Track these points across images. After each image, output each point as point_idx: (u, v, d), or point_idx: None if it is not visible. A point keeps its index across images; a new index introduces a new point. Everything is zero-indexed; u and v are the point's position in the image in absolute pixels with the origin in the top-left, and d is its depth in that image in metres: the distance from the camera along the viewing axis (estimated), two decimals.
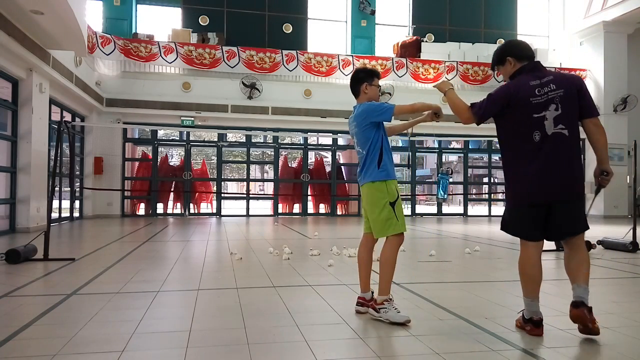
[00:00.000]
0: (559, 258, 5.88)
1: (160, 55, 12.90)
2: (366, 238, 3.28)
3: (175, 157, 20.59)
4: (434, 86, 3.16)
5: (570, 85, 2.67)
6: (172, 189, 14.36)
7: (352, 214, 14.85)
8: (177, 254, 6.01)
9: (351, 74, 3.41)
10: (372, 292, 3.22)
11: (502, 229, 2.88)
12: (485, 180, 19.22)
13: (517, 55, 2.81)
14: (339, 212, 14.92)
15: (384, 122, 3.18)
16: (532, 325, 2.69)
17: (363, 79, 3.23)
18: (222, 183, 16.73)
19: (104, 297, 3.54)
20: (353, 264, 5.20)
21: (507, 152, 2.79)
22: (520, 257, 2.78)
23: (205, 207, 14.94)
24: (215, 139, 14.96)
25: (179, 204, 14.28)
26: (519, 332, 2.76)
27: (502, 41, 16.55)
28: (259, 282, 4.16)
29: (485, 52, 15.54)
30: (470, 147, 16.44)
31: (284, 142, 15.77)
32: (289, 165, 15.63)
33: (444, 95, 2.97)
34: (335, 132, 13.87)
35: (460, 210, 16.26)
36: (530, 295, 2.70)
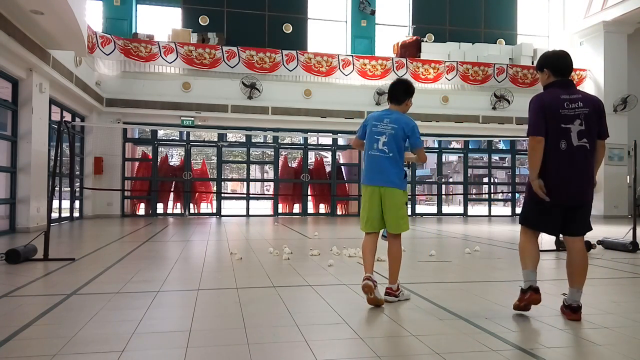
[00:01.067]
0: (559, 258, 5.88)
1: (160, 55, 12.90)
2: (372, 237, 3.54)
3: (175, 157, 20.60)
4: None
5: (594, 106, 3.01)
6: (172, 189, 14.36)
7: (352, 214, 14.84)
8: (177, 254, 6.01)
9: (405, 83, 3.58)
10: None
11: (521, 222, 3.23)
12: (485, 180, 19.22)
13: (553, 69, 3.13)
14: (339, 212, 14.92)
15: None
16: (532, 292, 2.99)
17: (412, 94, 3.56)
18: (222, 183, 16.73)
19: (104, 297, 3.54)
20: (353, 264, 5.20)
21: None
22: (521, 240, 3.21)
23: (205, 207, 14.95)
24: (215, 139, 14.96)
25: (179, 204, 14.29)
26: (519, 332, 2.76)
27: (502, 41, 16.65)
28: (259, 282, 4.16)
29: (485, 52, 15.54)
30: (470, 147, 16.45)
31: (284, 142, 15.77)
32: (289, 165, 15.63)
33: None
34: (335, 132, 13.87)
35: (460, 210, 16.26)
36: (529, 267, 3.07)
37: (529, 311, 3.10)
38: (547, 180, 2.99)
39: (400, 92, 3.50)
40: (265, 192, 18.50)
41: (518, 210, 17.67)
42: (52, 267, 4.82)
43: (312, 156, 15.25)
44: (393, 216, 3.43)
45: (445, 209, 16.98)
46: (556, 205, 3.01)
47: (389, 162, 3.40)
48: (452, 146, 18.27)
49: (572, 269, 3.07)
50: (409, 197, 4.93)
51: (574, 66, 12.89)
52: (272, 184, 16.11)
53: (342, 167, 15.30)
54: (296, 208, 14.81)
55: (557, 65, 3.12)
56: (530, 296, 2.99)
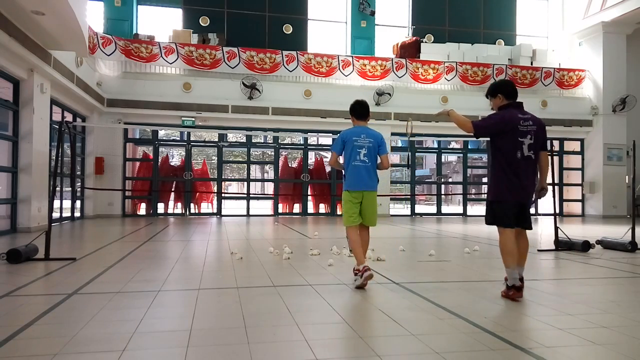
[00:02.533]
0: (557, 258, 5.89)
1: (161, 55, 12.92)
2: (360, 227, 4.29)
3: (176, 157, 20.60)
4: (437, 114, 4.19)
5: (540, 125, 3.73)
6: (172, 189, 14.37)
7: None
8: (177, 253, 6.02)
9: (366, 103, 4.36)
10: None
11: (487, 223, 3.82)
12: (485, 180, 19.23)
13: (506, 94, 3.80)
14: (339, 212, 14.91)
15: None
16: (514, 290, 3.58)
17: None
18: (223, 183, 16.76)
19: (104, 296, 3.56)
20: (353, 263, 5.21)
21: (497, 162, 3.74)
22: (500, 240, 3.72)
23: (205, 207, 14.96)
24: (216, 139, 14.98)
25: (179, 204, 14.30)
26: (519, 331, 2.78)
27: (502, 42, 16.67)
28: (259, 282, 4.17)
29: (484, 52, 15.55)
30: (469, 147, 16.46)
31: (284, 142, 15.78)
32: (289, 165, 15.65)
33: (448, 116, 3.99)
34: (335, 132, 13.82)
35: (460, 210, 16.27)
36: (511, 265, 3.62)
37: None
38: (508, 183, 3.67)
39: (367, 110, 4.30)
40: (260, 192, 18.52)
41: None
42: (53, 266, 4.84)
43: (312, 156, 15.26)
44: (372, 213, 4.22)
45: (445, 209, 16.99)
46: (516, 202, 3.68)
47: (369, 171, 4.16)
48: (451, 146, 18.28)
49: (522, 252, 3.78)
50: (408, 196, 5.14)
51: (573, 67, 13.14)
52: (266, 183, 16.13)
53: None
54: (296, 208, 14.82)
55: (508, 90, 3.80)
56: (513, 294, 3.58)
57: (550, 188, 4.15)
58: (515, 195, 3.66)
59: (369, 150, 4.14)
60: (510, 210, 3.67)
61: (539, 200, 3.88)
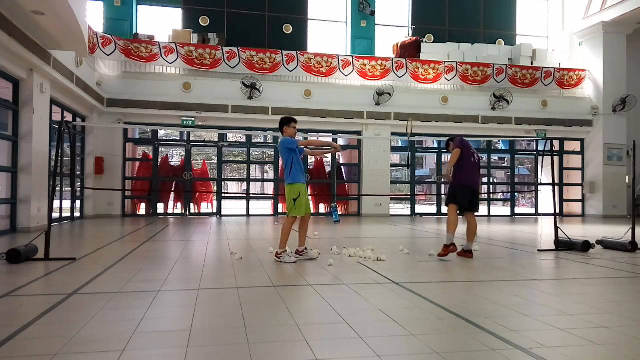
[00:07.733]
0: (557, 258, 5.89)
1: (161, 55, 12.92)
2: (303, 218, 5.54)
3: (176, 157, 20.62)
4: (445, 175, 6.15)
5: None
6: (172, 189, 14.37)
7: (352, 213, 14.86)
8: (177, 253, 6.02)
9: (280, 121, 5.56)
10: (306, 248, 5.50)
11: (451, 202, 5.65)
12: (485, 180, 19.19)
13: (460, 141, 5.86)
14: (339, 212, 14.92)
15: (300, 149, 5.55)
16: (453, 246, 5.47)
17: (284, 124, 5.45)
18: (223, 183, 16.76)
19: (104, 296, 3.56)
20: (353, 263, 5.22)
21: (460, 164, 5.68)
22: (449, 216, 5.63)
23: (205, 207, 14.95)
24: (216, 139, 14.98)
25: (179, 204, 14.30)
26: (519, 331, 2.78)
27: (502, 42, 16.69)
28: (259, 282, 4.17)
29: (484, 52, 15.55)
30: None
31: None
32: None
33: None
34: (335, 132, 13.88)
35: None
36: (452, 232, 5.52)
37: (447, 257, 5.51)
38: (466, 176, 5.65)
39: (279, 126, 5.51)
40: (260, 192, 18.49)
41: (517, 210, 17.73)
42: (53, 266, 4.84)
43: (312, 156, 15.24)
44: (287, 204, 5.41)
45: (445, 209, 16.92)
46: (470, 188, 5.65)
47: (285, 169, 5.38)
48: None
49: (470, 231, 5.72)
50: (408, 196, 5.52)
51: (574, 67, 13.59)
52: (266, 183, 16.12)
53: (342, 167, 15.31)
54: None
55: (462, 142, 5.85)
56: (452, 249, 5.47)
57: (550, 189, 5.10)
58: (471, 183, 5.78)
59: (281, 153, 5.44)
60: (465, 193, 5.69)
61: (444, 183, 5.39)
